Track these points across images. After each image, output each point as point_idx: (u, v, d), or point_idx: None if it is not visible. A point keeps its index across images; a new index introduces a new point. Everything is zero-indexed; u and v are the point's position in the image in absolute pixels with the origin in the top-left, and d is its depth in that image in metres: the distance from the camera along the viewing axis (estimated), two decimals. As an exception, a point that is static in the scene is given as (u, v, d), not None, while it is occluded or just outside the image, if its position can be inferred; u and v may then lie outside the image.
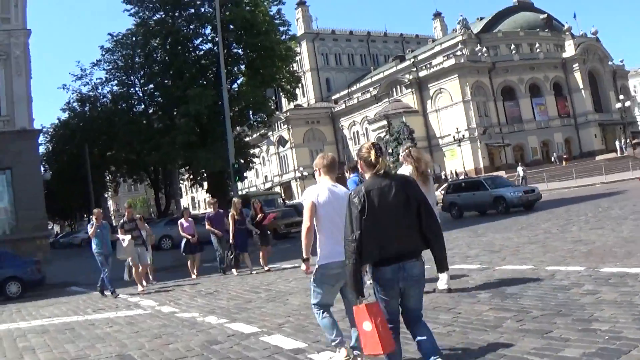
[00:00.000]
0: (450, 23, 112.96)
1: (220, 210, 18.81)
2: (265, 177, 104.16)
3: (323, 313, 5.93)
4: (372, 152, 4.91)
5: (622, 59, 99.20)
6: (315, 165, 6.18)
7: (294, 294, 11.54)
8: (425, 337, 4.88)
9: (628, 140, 73.59)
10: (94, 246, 15.01)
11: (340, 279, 5.72)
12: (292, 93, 48.32)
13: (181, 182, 62.59)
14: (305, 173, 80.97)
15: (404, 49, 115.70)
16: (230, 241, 16.59)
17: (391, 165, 39.36)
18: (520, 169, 52.13)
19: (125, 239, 15.29)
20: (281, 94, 52.08)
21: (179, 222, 18.25)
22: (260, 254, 16.73)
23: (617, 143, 69.86)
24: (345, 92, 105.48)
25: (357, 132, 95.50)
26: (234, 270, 16.71)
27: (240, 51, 42.71)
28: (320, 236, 5.82)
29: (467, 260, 12.89)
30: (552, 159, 75.78)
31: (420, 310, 5.00)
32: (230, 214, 16.76)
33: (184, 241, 17.75)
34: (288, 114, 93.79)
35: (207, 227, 17.60)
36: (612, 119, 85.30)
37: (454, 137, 72.17)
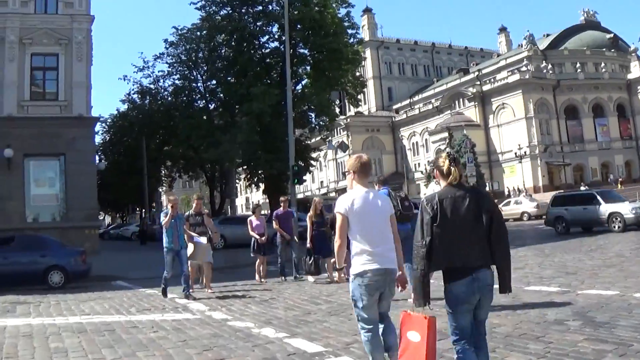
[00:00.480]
0: (515, 38, 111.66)
1: (290, 209, 17.84)
2: (322, 182, 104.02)
3: (367, 332, 5.42)
4: (447, 161, 4.97)
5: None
6: (348, 167, 5.78)
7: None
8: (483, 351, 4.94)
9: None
10: (165, 239, 13.33)
11: (379, 288, 5.40)
12: (356, 98, 47.67)
13: (237, 181, 63.13)
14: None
15: (468, 62, 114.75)
16: (308, 245, 15.10)
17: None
18: (583, 189, 53.70)
19: (202, 240, 14.15)
20: (345, 98, 51.45)
21: (249, 219, 16.73)
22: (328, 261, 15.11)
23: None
24: (407, 102, 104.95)
25: (417, 142, 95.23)
26: (309, 277, 15.31)
27: (306, 52, 41.92)
28: (355, 245, 5.47)
29: (542, 281, 12.24)
30: (609, 180, 74.30)
31: (486, 320, 5.00)
32: (308, 214, 15.66)
33: (253, 240, 16.26)
34: (349, 120, 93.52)
35: (275, 226, 16.41)
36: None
37: (515, 153, 71.12)
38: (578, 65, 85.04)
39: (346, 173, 5.84)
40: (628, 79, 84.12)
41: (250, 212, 20.88)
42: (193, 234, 14.08)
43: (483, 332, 4.95)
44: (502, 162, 79.92)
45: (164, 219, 13.38)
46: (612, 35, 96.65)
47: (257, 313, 10.80)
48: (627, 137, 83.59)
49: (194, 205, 14.76)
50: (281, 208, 16.93)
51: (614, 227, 24.97)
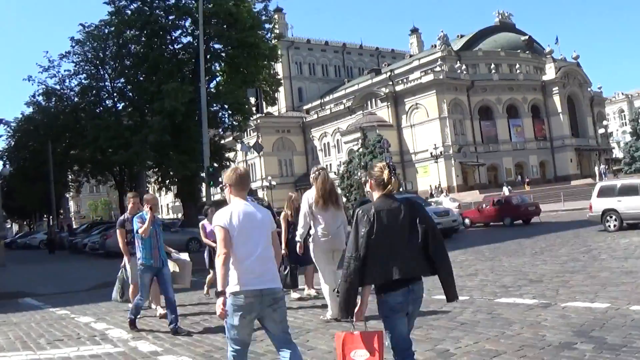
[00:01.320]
0: (427, 40, 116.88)
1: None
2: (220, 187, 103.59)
3: (233, 352, 5.19)
4: (386, 171, 4.94)
5: (600, 85, 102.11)
6: (225, 180, 5.53)
7: (314, 331, 9.04)
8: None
9: (608, 167, 75.18)
10: (140, 253, 10.16)
11: (254, 310, 5.10)
12: (272, 96, 47.69)
13: (148, 184, 61.86)
14: (273, 183, 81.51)
15: (379, 62, 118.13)
16: (282, 251, 11.04)
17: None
18: (506, 188, 53.22)
19: (184, 256, 11.74)
20: (262, 97, 51.42)
21: (201, 224, 13.83)
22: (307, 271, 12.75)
23: (596, 169, 71.35)
24: (318, 102, 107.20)
25: (328, 143, 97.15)
26: (292, 292, 12.55)
27: (221, 47, 41.79)
28: (232, 262, 5.17)
29: (509, 291, 11.25)
30: (517, 180, 77.19)
31: (411, 329, 5.03)
32: (283, 214, 12.65)
33: (207, 250, 13.80)
34: (259, 121, 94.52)
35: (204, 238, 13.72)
36: (588, 145, 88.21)
37: (431, 153, 72.83)
38: (492, 66, 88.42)
39: (223, 187, 5.69)
40: (543, 81, 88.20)
41: (168, 217, 17.14)
42: (171, 249, 11.47)
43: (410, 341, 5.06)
44: (415, 162, 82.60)
45: (139, 226, 10.05)
46: (527, 37, 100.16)
47: (194, 342, 9.00)
48: (541, 137, 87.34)
49: (129, 206, 11.51)
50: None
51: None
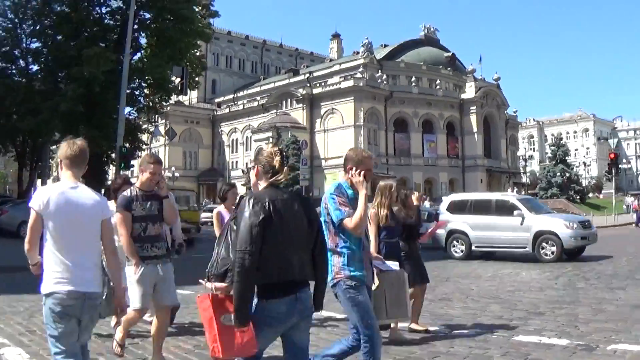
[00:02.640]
0: (347, 46, 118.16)
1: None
2: (132, 172, 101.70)
3: None
4: (277, 157, 4.52)
5: (516, 110, 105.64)
6: (59, 156, 4.87)
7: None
8: None
9: (518, 190, 77.66)
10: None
11: (75, 315, 4.57)
12: (194, 80, 45.91)
13: (50, 160, 59.37)
14: (176, 174, 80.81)
15: (297, 63, 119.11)
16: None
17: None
18: (427, 204, 54.38)
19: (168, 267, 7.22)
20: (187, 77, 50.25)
21: (217, 211, 9.21)
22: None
23: (509, 191, 73.70)
24: (231, 96, 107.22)
25: (237, 139, 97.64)
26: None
27: (152, 16, 39.74)
28: (47, 255, 4.60)
29: (517, 324, 9.53)
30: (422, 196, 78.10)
31: (308, 348, 4.63)
32: (372, 212, 8.26)
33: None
34: (168, 108, 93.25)
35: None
36: (499, 167, 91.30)
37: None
38: (413, 79, 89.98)
39: (59, 162, 4.89)
40: (461, 99, 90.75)
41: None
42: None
43: None
44: (325, 169, 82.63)
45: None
46: (450, 54, 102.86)
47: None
48: (453, 155, 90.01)
49: (144, 176, 7.03)
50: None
51: None
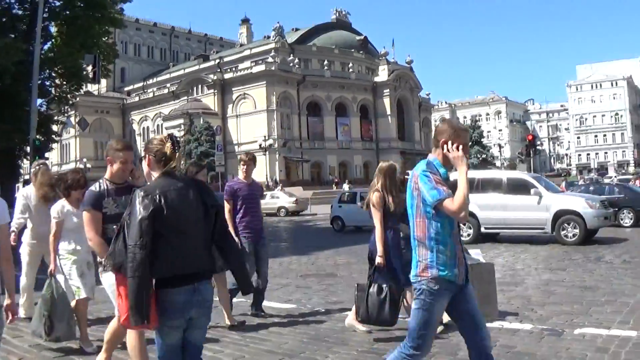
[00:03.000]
0: (257, 31, 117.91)
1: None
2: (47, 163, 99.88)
3: None
4: (168, 144, 4.38)
5: (429, 92, 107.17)
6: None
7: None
8: None
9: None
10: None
11: None
12: (107, 67, 43.68)
13: None
14: (88, 165, 79.15)
15: (206, 49, 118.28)
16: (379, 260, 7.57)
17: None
18: (346, 186, 54.24)
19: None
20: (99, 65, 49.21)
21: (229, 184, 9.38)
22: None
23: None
24: (141, 85, 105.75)
25: (148, 127, 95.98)
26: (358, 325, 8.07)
27: (61, 3, 38.01)
28: None
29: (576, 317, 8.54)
30: (328, 179, 79.05)
31: (202, 347, 4.55)
32: (376, 195, 7.66)
33: None
34: (77, 99, 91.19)
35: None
36: (414, 149, 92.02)
37: (260, 145, 72.44)
38: (326, 62, 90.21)
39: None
40: (374, 82, 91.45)
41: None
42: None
43: (197, 358, 4.46)
44: (238, 154, 78.49)
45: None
46: (362, 37, 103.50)
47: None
48: (367, 138, 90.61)
49: (115, 167, 5.82)
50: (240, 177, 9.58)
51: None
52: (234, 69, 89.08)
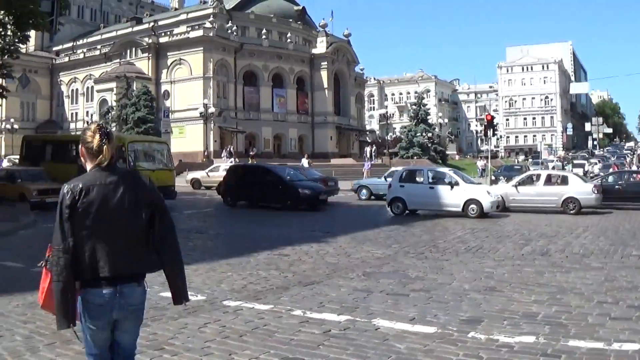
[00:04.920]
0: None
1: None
2: None
3: None
4: (97, 136, 4.32)
5: (363, 67, 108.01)
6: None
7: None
8: None
9: (374, 148, 79.07)
10: None
11: None
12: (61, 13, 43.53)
13: None
14: (15, 126, 77.67)
15: (137, 12, 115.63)
16: None
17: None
18: (305, 160, 53.94)
19: None
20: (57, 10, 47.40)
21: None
22: None
23: (367, 149, 74.65)
24: (70, 45, 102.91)
25: (77, 90, 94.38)
26: None
27: None
28: None
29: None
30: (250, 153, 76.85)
31: (135, 349, 4.54)
32: None
33: None
34: (6, 57, 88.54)
35: None
36: (349, 124, 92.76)
37: (201, 113, 70.68)
38: (264, 31, 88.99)
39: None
40: (312, 54, 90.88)
41: None
42: None
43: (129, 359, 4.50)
44: (172, 122, 77.52)
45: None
46: (300, 7, 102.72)
47: None
48: (303, 111, 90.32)
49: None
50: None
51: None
52: (169, 33, 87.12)
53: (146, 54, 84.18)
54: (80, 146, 4.41)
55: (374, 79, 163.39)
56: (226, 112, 79.69)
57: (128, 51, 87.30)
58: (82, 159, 4.45)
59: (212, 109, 71.99)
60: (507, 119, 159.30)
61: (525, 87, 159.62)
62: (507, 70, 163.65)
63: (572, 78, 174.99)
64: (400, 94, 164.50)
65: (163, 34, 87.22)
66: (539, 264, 13.59)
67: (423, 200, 26.08)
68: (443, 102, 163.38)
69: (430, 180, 26.17)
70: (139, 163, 28.24)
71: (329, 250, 15.63)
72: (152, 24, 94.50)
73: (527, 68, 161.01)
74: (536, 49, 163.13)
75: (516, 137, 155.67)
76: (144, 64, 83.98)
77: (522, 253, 15.22)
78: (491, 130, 43.70)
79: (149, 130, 60.50)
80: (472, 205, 24.58)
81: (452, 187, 25.08)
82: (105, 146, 4.28)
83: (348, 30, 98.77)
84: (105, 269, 4.13)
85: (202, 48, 79.67)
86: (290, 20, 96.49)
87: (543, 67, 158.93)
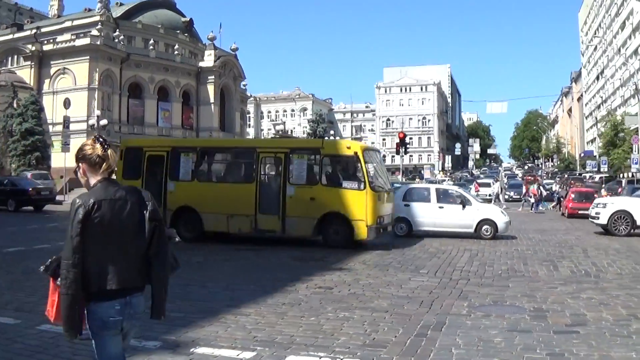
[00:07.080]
0: (69, 3, 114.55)
1: None
2: None
3: None
4: (98, 145, 4.44)
5: (246, 83, 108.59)
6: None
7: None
8: None
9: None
10: None
11: None
12: None
13: None
14: None
15: (16, 19, 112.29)
16: None
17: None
18: None
19: None
20: None
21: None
22: None
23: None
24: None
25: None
26: None
27: None
28: None
29: None
30: None
31: (124, 351, 4.61)
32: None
33: None
34: None
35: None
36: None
37: (92, 125, 67.10)
38: (151, 42, 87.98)
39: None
40: (199, 67, 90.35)
41: None
42: None
43: None
44: (53, 135, 73.89)
45: None
46: (187, 19, 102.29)
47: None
48: (187, 126, 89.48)
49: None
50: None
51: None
52: (52, 40, 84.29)
53: (28, 62, 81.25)
54: (79, 164, 4.57)
55: (251, 95, 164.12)
56: (111, 125, 77.32)
57: (9, 58, 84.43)
58: (83, 177, 4.57)
59: (104, 121, 69.03)
60: (384, 139, 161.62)
61: (403, 108, 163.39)
62: (385, 91, 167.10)
63: (449, 100, 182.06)
64: (277, 111, 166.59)
65: (46, 42, 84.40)
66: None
67: (431, 221, 24.82)
68: (318, 118, 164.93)
69: (439, 198, 25.10)
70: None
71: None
72: (34, 30, 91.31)
73: (406, 89, 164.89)
74: (415, 70, 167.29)
75: (392, 157, 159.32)
76: (26, 73, 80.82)
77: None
78: (403, 148, 43.28)
79: (37, 142, 59.44)
80: (486, 226, 23.92)
81: (464, 207, 24.41)
82: (109, 151, 4.49)
83: (235, 45, 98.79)
84: (114, 281, 4.27)
85: (88, 57, 77.54)
86: (178, 32, 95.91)
87: (422, 88, 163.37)
